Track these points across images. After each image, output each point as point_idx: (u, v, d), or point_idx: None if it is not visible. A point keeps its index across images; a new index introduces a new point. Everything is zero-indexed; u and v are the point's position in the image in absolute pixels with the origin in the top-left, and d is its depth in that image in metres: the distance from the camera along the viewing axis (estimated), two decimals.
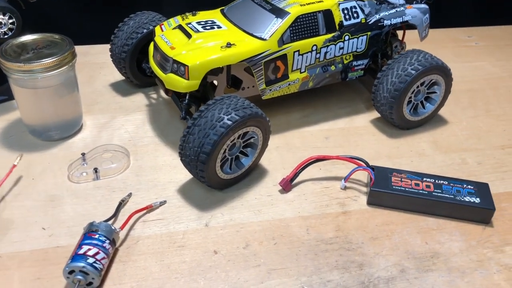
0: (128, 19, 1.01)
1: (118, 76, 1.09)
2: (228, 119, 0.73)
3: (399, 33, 1.05)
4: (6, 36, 0.87)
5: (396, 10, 0.96)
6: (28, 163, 0.85)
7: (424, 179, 0.80)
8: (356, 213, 0.78)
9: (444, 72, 0.93)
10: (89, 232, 0.67)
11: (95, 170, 0.82)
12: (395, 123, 0.95)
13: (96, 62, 1.16)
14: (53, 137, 0.90)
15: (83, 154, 0.85)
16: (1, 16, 0.85)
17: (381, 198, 0.79)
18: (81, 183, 0.82)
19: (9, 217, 0.75)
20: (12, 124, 0.94)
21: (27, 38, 0.87)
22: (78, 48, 1.20)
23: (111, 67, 1.08)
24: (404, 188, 0.78)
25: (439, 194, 0.78)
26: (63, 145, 0.90)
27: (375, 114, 1.01)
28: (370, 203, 0.80)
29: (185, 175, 0.83)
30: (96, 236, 0.66)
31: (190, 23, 0.89)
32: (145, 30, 0.98)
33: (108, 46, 1.04)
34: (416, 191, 0.78)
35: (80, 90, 1.03)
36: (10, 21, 0.87)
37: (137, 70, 1.03)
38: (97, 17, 1.30)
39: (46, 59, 0.81)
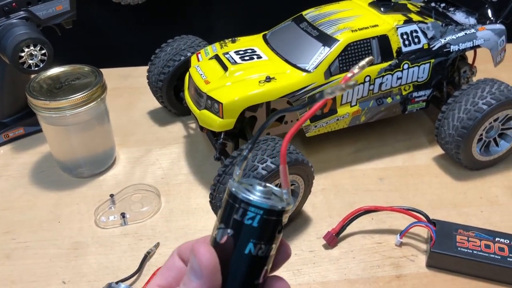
0: (166, 45, 0.94)
1: (157, 103, 1.03)
2: (262, 168, 0.64)
3: (469, 54, 0.92)
4: (37, 68, 0.83)
5: (466, 33, 0.83)
6: (57, 202, 0.81)
7: (497, 239, 0.68)
8: (412, 278, 0.67)
9: None
10: None
11: (122, 215, 0.76)
12: (462, 164, 0.82)
13: (136, 87, 1.11)
14: (83, 174, 0.85)
15: (111, 196, 0.79)
16: (32, 48, 0.81)
17: (443, 261, 0.67)
18: (108, 228, 0.76)
19: (32, 267, 0.70)
20: (44, 157, 0.90)
21: (56, 70, 0.83)
22: (120, 71, 1.18)
23: (151, 92, 1.02)
24: (471, 251, 0.66)
25: None
26: (93, 182, 0.85)
27: (440, 150, 0.88)
28: (430, 265, 0.68)
29: None
30: None
31: (227, 53, 0.81)
32: (182, 57, 0.91)
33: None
34: (486, 255, 0.65)
35: (118, 118, 0.98)
36: (42, 52, 0.82)
37: (174, 99, 0.96)
38: (143, 36, 1.25)
39: (74, 95, 0.76)
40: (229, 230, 0.31)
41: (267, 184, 0.33)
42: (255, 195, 0.31)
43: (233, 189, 0.32)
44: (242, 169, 0.32)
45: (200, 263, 0.30)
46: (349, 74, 0.30)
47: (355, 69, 0.30)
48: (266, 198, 0.32)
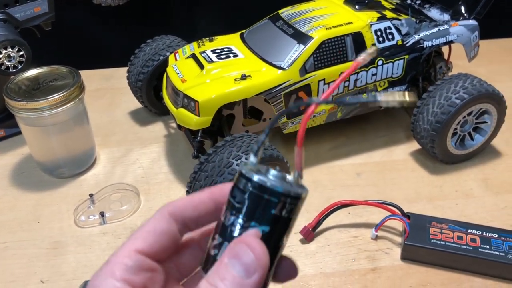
0: (145, 45, 0.95)
1: (138, 103, 1.03)
2: (237, 165, 0.65)
3: (445, 50, 0.93)
4: (15, 70, 0.83)
5: (439, 29, 0.84)
6: (37, 203, 0.81)
7: (469, 230, 0.69)
8: (387, 270, 0.68)
9: (496, 100, 0.80)
10: None
11: (102, 214, 0.76)
12: (438, 158, 0.84)
13: (118, 87, 1.12)
14: (64, 174, 0.85)
15: (91, 195, 0.79)
16: (10, 49, 0.82)
17: (417, 253, 0.68)
18: (87, 228, 0.76)
19: (10, 267, 0.70)
20: (25, 159, 0.90)
21: (34, 72, 0.83)
22: (102, 72, 1.18)
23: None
24: (444, 243, 0.67)
25: (486, 251, 0.66)
26: (74, 182, 0.85)
27: (417, 145, 0.89)
28: (404, 258, 0.69)
29: None
30: None
31: (204, 52, 0.81)
32: (161, 57, 0.91)
33: None
34: (459, 246, 0.67)
35: (99, 119, 0.99)
36: (20, 53, 0.83)
37: (154, 98, 0.96)
38: (125, 37, 1.26)
39: (52, 96, 0.76)
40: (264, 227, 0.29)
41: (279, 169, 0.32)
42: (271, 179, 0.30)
43: (256, 178, 0.30)
44: (259, 155, 0.31)
45: (258, 260, 0.27)
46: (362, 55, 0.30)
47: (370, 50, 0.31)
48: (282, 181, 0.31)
